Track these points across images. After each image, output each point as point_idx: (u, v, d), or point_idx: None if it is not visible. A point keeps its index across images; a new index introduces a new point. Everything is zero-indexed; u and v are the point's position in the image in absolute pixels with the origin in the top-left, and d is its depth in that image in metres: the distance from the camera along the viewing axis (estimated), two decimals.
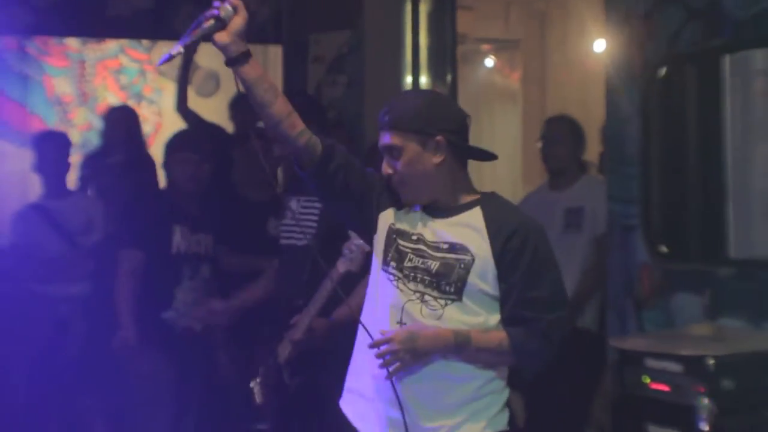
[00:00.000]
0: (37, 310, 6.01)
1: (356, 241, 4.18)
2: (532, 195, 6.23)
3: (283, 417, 4.76)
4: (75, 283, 6.06)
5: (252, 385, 4.82)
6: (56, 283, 6.05)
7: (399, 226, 3.34)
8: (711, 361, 4.13)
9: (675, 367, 4.28)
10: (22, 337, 6.00)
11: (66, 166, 6.27)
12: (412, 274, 3.27)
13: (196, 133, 6.19)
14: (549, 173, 6.08)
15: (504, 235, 3.20)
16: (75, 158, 6.52)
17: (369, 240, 3.45)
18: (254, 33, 7.81)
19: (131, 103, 8.75)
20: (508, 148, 10.00)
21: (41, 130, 7.56)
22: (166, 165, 5.53)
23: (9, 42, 8.63)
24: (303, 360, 4.61)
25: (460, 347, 3.20)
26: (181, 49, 3.11)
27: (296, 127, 3.26)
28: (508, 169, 9.92)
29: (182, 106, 6.68)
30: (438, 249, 3.26)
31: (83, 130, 8.91)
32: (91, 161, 6.82)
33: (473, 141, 3.39)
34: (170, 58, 3.11)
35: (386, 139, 3.27)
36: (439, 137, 3.24)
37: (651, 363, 4.40)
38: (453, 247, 3.24)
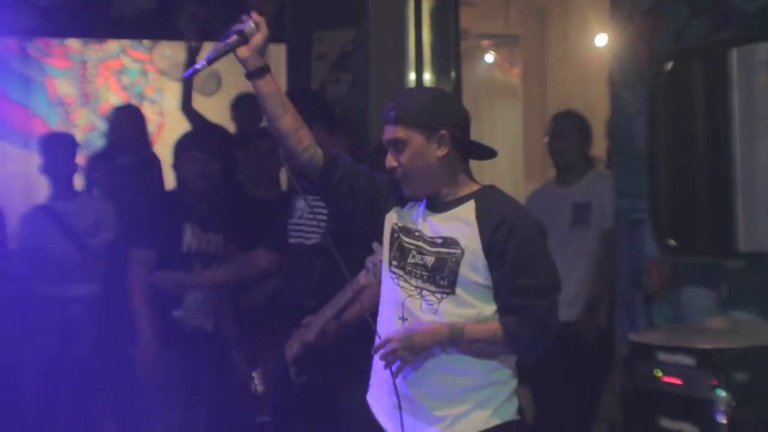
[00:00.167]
0: (46, 311, 6.01)
1: (380, 256, 4.19)
2: (540, 191, 6.25)
3: (286, 412, 4.78)
4: (84, 283, 6.06)
5: (253, 375, 4.85)
6: (65, 284, 6.05)
7: (403, 223, 3.44)
8: (724, 354, 4.14)
9: (688, 360, 4.29)
10: (31, 338, 6.01)
11: (73, 168, 6.27)
12: (414, 270, 3.37)
13: (205, 132, 6.20)
14: (556, 169, 6.09)
15: (491, 226, 3.28)
16: (79, 159, 6.51)
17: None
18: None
19: (133, 103, 8.74)
20: (509, 144, 10.01)
21: (48, 132, 7.55)
22: (176, 164, 5.53)
23: (10, 44, 8.63)
24: (311, 359, 4.62)
25: (455, 340, 3.29)
26: (206, 63, 3.37)
27: (303, 141, 3.43)
28: (508, 165, 9.92)
29: (187, 106, 6.70)
30: (434, 244, 3.35)
31: (85, 131, 8.90)
32: (97, 162, 6.82)
33: (473, 137, 3.45)
34: (195, 71, 3.42)
35: (391, 132, 3.36)
36: (443, 131, 3.33)
37: (663, 356, 4.41)
38: (445, 242, 3.33)
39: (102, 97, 9.22)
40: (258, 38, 3.37)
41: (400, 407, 3.38)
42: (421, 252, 3.36)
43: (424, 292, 3.35)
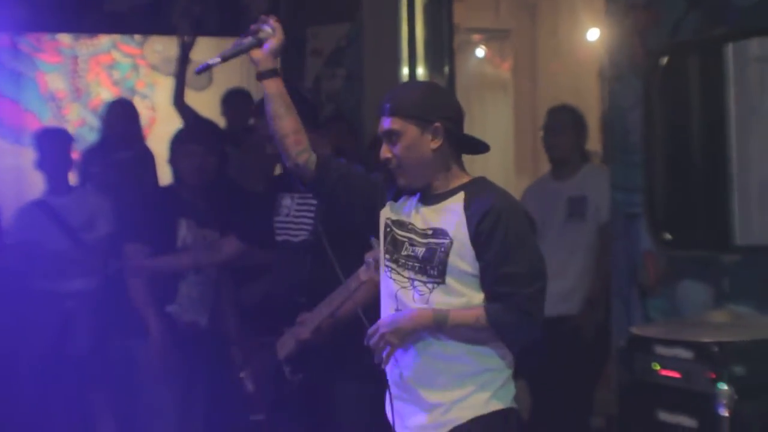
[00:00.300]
0: (43, 306, 5.99)
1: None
2: (535, 185, 6.26)
3: (280, 410, 4.78)
4: (80, 278, 6.05)
5: (242, 375, 4.85)
6: (61, 279, 6.03)
7: (396, 217, 3.51)
8: (722, 348, 4.15)
9: (686, 353, 4.31)
10: (28, 334, 5.99)
11: (68, 163, 6.25)
12: (406, 262, 3.43)
13: (200, 127, 6.19)
14: (551, 163, 6.10)
15: (478, 215, 3.33)
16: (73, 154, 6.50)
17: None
18: (251, 26, 7.84)
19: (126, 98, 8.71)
20: (499, 138, 10.00)
21: (42, 127, 7.52)
22: (172, 159, 5.52)
23: (1, 39, 8.59)
24: (305, 357, 4.63)
25: (439, 324, 3.34)
26: (220, 60, 3.51)
27: (300, 144, 3.55)
28: (499, 158, 9.91)
29: (179, 101, 6.68)
30: (425, 235, 3.41)
31: (77, 126, 8.85)
32: (91, 157, 6.81)
33: (465, 130, 3.50)
34: (208, 67, 3.51)
35: (386, 124, 3.43)
36: (437, 123, 3.39)
37: (661, 350, 4.43)
38: (435, 233, 3.39)
39: (93, 92, 9.16)
40: (273, 42, 3.54)
41: (391, 396, 3.47)
42: (412, 244, 3.43)
43: (416, 283, 3.41)
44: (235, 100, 7.03)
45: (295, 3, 7.48)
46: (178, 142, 5.51)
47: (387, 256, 3.49)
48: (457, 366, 3.39)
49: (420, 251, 3.40)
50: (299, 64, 7.40)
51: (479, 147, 3.51)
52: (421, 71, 6.92)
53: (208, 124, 6.88)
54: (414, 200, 3.49)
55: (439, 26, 6.98)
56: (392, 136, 3.41)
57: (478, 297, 3.36)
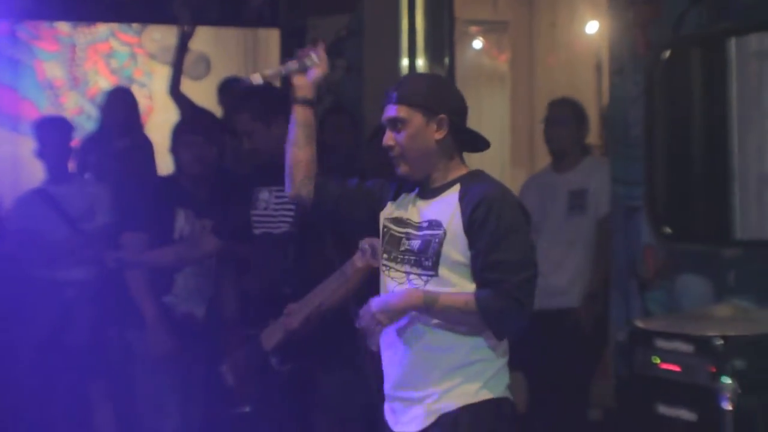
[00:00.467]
0: (42, 294, 5.99)
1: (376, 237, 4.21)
2: (536, 177, 6.27)
3: (267, 400, 4.79)
4: (79, 267, 6.05)
5: (223, 368, 4.85)
6: (61, 267, 6.03)
7: (394, 215, 3.54)
8: (722, 342, 4.16)
9: (686, 347, 4.31)
10: (28, 322, 5.99)
11: (68, 151, 6.24)
12: (403, 257, 3.46)
13: (201, 117, 6.19)
14: (552, 156, 6.09)
15: (471, 205, 3.35)
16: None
17: None
18: (251, 16, 7.82)
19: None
20: (496, 130, 10.00)
21: (43, 116, 7.51)
22: (174, 149, 5.52)
23: (0, 27, 8.59)
24: (293, 347, 4.64)
25: (429, 305, 3.35)
26: (261, 80, 3.60)
27: (308, 177, 3.61)
28: (495, 151, 9.89)
29: (175, 90, 6.65)
30: (421, 228, 3.44)
31: (74, 114, 8.86)
32: (90, 145, 6.80)
33: None
34: (249, 84, 3.62)
35: (392, 111, 3.46)
36: (442, 115, 3.42)
37: (661, 343, 4.43)
38: (431, 224, 3.42)
39: (91, 80, 9.19)
40: (317, 71, 3.64)
41: (378, 391, 3.53)
42: (409, 238, 3.46)
43: (411, 276, 3.43)
44: (231, 89, 7.00)
45: None
46: (177, 132, 5.51)
47: (385, 255, 3.52)
48: (449, 357, 3.40)
49: (416, 243, 3.42)
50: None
51: (480, 145, 3.55)
52: (421, 63, 6.92)
53: (207, 114, 6.86)
54: (412, 195, 3.52)
55: (440, 18, 6.97)
56: (397, 124, 3.45)
57: (470, 287, 3.38)
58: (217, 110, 7.05)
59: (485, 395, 3.41)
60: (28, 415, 6.00)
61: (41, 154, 6.17)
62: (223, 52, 9.23)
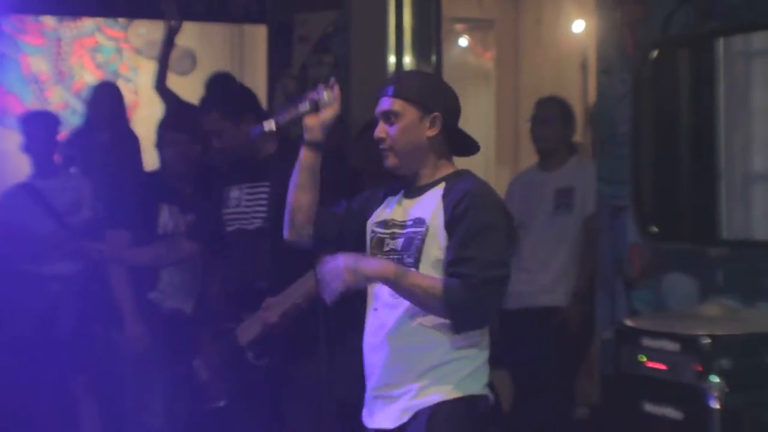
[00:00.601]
0: (28, 289, 6.00)
1: None
2: (523, 175, 6.27)
3: (243, 395, 4.79)
4: (65, 262, 6.05)
5: (195, 363, 4.85)
6: (46, 262, 6.04)
7: (380, 218, 3.56)
8: (708, 341, 4.17)
9: (672, 345, 4.32)
10: (13, 316, 5.99)
11: (54, 146, 6.26)
12: (387, 257, 3.46)
13: (186, 114, 6.17)
14: (539, 154, 6.10)
15: (454, 202, 3.37)
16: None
17: None
18: (238, 12, 7.79)
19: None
20: (481, 128, 9.99)
21: (29, 110, 7.50)
22: (158, 146, 5.52)
23: None
24: (269, 341, 4.64)
25: (398, 278, 3.33)
26: (274, 127, 3.56)
27: (308, 221, 3.62)
28: (480, 149, 9.89)
29: (161, 85, 6.64)
30: (405, 226, 3.46)
31: (59, 109, 8.82)
32: (75, 140, 6.79)
33: None
34: (262, 131, 3.56)
35: (387, 104, 3.48)
36: (436, 113, 3.45)
37: (648, 342, 4.44)
38: (415, 222, 3.45)
39: (76, 74, 9.16)
40: (329, 113, 3.56)
41: (362, 388, 3.54)
42: (394, 237, 3.47)
43: None
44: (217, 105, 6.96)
45: None
46: (162, 130, 5.51)
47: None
48: (428, 355, 3.41)
49: (399, 242, 3.44)
50: (286, 50, 7.38)
51: (471, 148, 3.58)
52: (408, 60, 6.91)
53: (193, 109, 6.84)
54: (398, 196, 3.55)
55: (427, 15, 6.96)
56: (390, 117, 3.47)
57: None
58: None
59: (460, 392, 3.42)
60: (11, 409, 5.99)
61: (27, 148, 6.17)
62: (210, 48, 9.21)
